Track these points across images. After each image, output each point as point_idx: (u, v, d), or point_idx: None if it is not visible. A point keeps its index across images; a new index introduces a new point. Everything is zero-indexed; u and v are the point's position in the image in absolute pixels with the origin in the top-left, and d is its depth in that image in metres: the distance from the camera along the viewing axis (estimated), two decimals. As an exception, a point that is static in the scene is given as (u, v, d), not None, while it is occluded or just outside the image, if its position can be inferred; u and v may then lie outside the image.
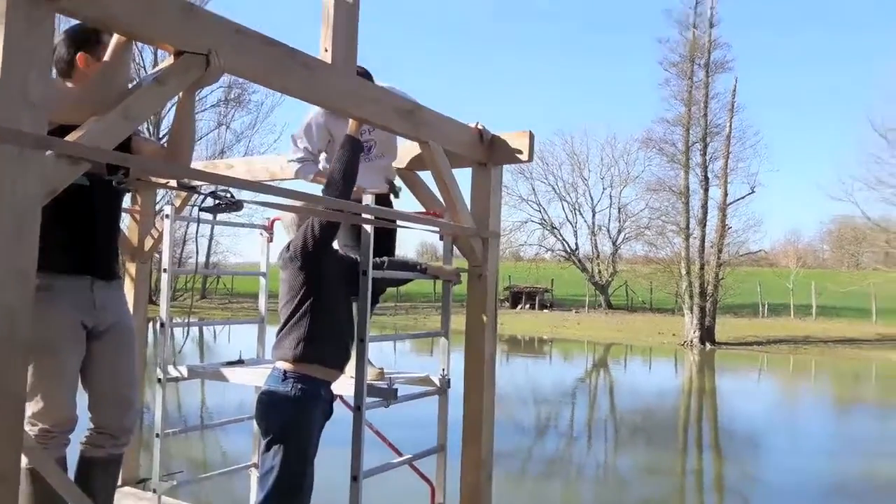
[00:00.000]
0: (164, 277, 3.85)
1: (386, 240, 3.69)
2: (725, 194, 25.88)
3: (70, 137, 1.86)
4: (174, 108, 2.36)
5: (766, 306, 34.31)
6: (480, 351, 3.57)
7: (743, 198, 26.58)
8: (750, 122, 42.79)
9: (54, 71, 2.46)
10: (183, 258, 32.26)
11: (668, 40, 27.46)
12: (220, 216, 2.55)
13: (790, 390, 17.02)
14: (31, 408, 2.35)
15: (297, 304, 2.90)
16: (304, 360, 2.86)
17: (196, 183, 2.76)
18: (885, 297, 29.46)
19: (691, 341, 24.48)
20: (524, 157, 3.46)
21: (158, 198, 5.26)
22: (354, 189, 3.05)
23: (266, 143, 30.69)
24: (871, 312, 30.59)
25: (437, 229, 3.50)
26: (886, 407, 14.33)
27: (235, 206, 2.45)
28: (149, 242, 4.82)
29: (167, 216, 3.81)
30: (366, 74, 3.35)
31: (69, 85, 2.46)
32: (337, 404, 3.22)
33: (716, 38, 26.16)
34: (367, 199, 3.11)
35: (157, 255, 4.74)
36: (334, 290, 3.01)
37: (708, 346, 24.16)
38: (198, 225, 2.55)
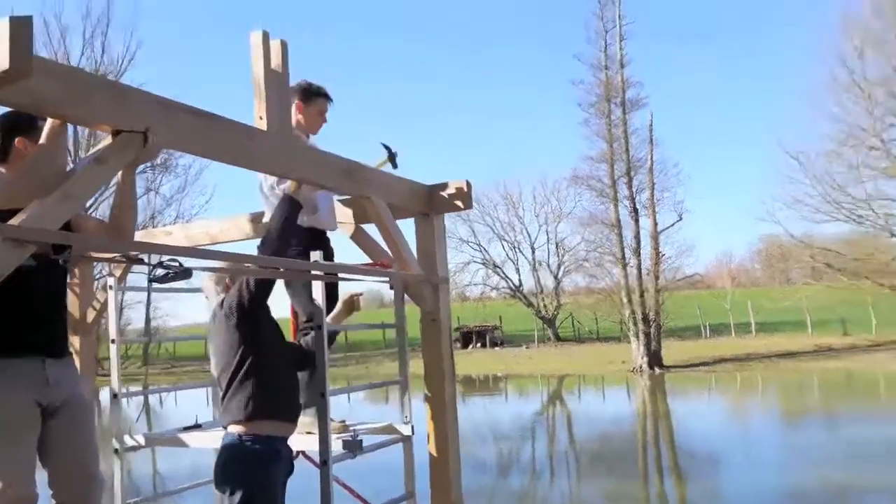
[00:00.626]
0: (113, 348, 3.79)
1: (332, 287, 3.69)
2: (655, 223, 26.86)
3: (13, 221, 1.86)
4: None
5: (708, 327, 35.24)
6: (441, 395, 3.61)
7: (672, 225, 27.58)
8: (670, 154, 44.29)
9: None
10: (122, 326, 31.26)
11: (583, 82, 28.56)
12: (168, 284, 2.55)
13: (740, 407, 17.44)
14: None
15: (238, 362, 2.84)
16: (255, 419, 2.80)
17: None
18: (817, 309, 30.63)
19: (640, 367, 24.91)
20: (464, 204, 3.56)
21: (96, 269, 5.17)
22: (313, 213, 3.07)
23: (197, 205, 30.21)
24: (807, 325, 31.74)
25: (387, 279, 3.54)
26: (831, 415, 14.82)
27: (185, 273, 2.46)
28: (91, 314, 4.72)
29: (110, 287, 3.76)
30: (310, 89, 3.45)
31: (1, 171, 2.46)
32: (301, 460, 3.19)
33: (628, 78, 27.41)
34: (315, 256, 3.16)
35: (99, 326, 4.64)
36: (274, 344, 2.98)
37: (656, 370, 24.62)
38: (148, 296, 2.55)
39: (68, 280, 4.41)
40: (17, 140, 2.46)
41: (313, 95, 3.56)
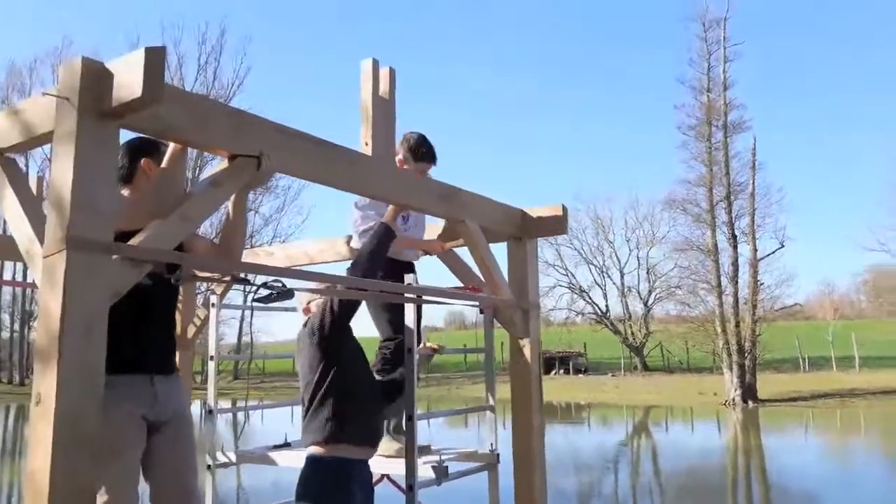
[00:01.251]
0: (211, 364, 3.92)
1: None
2: (755, 250, 25.83)
3: (133, 242, 1.97)
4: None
5: (807, 360, 33.48)
6: (528, 422, 3.56)
7: (773, 253, 26.48)
8: (772, 179, 42.80)
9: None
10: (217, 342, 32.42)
11: (684, 105, 27.99)
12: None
13: (839, 445, 16.42)
14: (97, 501, 2.39)
15: (318, 381, 2.87)
16: (333, 441, 2.82)
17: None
18: (929, 344, 28.71)
19: (733, 400, 23.86)
20: (560, 230, 3.54)
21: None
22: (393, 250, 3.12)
23: (294, 225, 31.21)
24: (917, 361, 29.76)
25: (476, 303, 3.55)
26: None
27: (287, 294, 2.55)
28: (191, 330, 4.95)
29: (213, 304, 3.92)
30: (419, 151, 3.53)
31: (126, 193, 2.60)
32: (386, 485, 3.21)
33: (731, 100, 26.67)
34: (409, 279, 3.20)
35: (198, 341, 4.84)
36: (355, 366, 3.01)
37: (751, 403, 23.52)
38: (251, 314, 2.64)
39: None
40: (142, 161, 2.59)
41: (421, 158, 3.60)
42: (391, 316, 3.59)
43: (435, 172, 3.68)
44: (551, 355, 36.73)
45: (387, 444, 3.62)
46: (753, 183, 25.99)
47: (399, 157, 3.51)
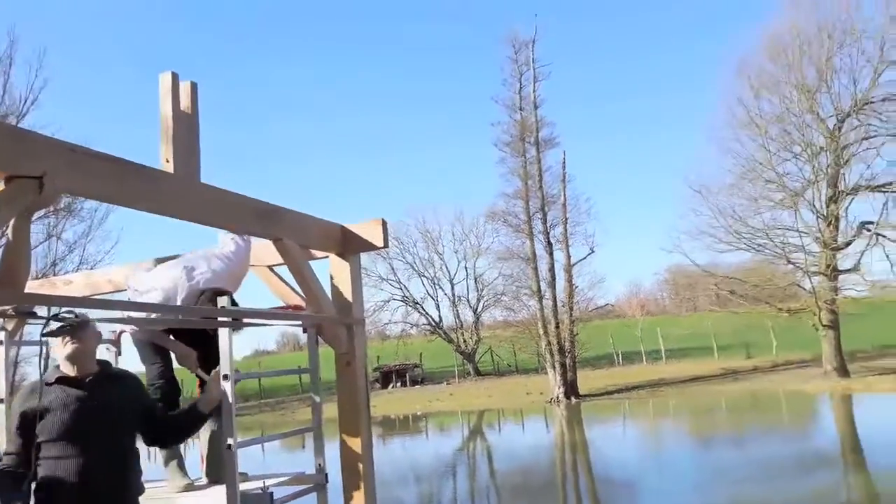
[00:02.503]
0: (1, 408, 3.52)
1: (205, 347, 3.45)
2: (568, 257, 27.73)
3: None
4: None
5: (620, 355, 36.17)
6: (356, 439, 3.53)
7: (584, 258, 28.48)
8: (581, 190, 46.01)
9: None
10: (16, 383, 29.24)
11: (500, 123, 29.38)
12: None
13: (654, 431, 17.91)
14: None
15: None
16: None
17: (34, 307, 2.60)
18: (722, 335, 31.98)
19: (557, 397, 25.26)
20: (379, 243, 3.55)
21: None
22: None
23: (102, 251, 28.67)
24: (713, 350, 33.08)
25: (299, 322, 3.48)
26: (739, 434, 15.44)
27: (83, 325, 2.34)
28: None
29: (0, 342, 3.52)
30: None
31: None
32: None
33: (541, 118, 28.43)
34: (223, 301, 3.07)
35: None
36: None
37: (573, 399, 25.03)
38: (41, 351, 2.37)
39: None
40: None
41: None
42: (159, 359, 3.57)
43: (256, 192, 3.56)
44: (388, 369, 36.84)
45: (176, 482, 3.44)
46: (564, 194, 27.90)
47: None
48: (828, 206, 23.75)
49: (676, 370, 29.98)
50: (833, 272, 23.51)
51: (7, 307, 2.39)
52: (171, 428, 2.87)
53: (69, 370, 2.51)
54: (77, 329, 2.36)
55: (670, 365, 32.61)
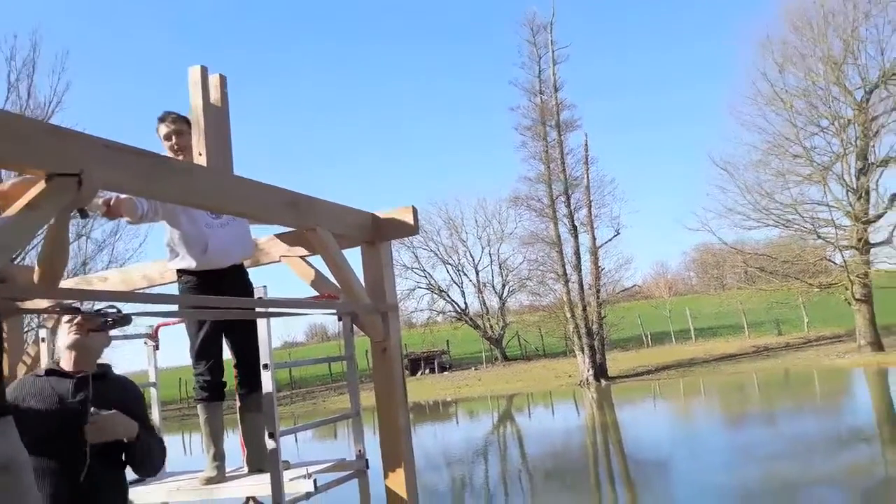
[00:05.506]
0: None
1: (244, 337, 3.45)
2: (594, 239, 27.56)
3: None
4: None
5: (649, 336, 35.98)
6: (395, 424, 3.54)
7: (610, 240, 28.35)
8: (605, 172, 45.54)
9: None
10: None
11: (519, 107, 29.21)
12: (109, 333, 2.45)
13: (685, 411, 17.82)
14: None
15: None
16: None
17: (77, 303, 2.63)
18: (752, 312, 31.66)
19: (587, 380, 25.21)
20: (411, 230, 3.55)
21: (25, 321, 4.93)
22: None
23: (131, 249, 28.97)
24: (743, 327, 32.77)
25: (334, 311, 3.49)
26: (770, 411, 15.30)
27: (124, 321, 2.36)
28: (21, 369, 4.49)
29: (43, 339, 3.59)
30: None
31: None
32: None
33: (562, 101, 28.17)
34: (259, 292, 3.09)
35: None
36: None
37: (603, 381, 24.95)
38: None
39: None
40: None
41: (161, 120, 3.49)
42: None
43: (286, 183, 3.56)
44: (416, 356, 37.03)
45: (203, 473, 3.48)
46: (588, 177, 27.68)
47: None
48: (857, 179, 23.32)
49: (707, 349, 29.77)
50: (865, 245, 23.12)
51: (51, 304, 2.43)
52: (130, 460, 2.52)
53: (67, 362, 2.47)
54: (118, 324, 2.38)
55: (700, 344, 32.39)
